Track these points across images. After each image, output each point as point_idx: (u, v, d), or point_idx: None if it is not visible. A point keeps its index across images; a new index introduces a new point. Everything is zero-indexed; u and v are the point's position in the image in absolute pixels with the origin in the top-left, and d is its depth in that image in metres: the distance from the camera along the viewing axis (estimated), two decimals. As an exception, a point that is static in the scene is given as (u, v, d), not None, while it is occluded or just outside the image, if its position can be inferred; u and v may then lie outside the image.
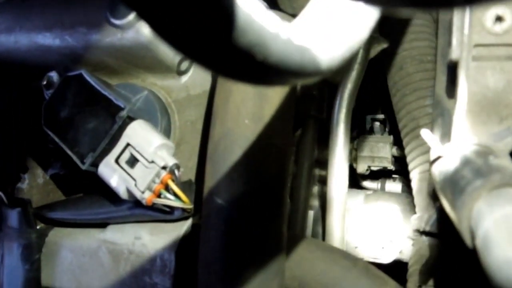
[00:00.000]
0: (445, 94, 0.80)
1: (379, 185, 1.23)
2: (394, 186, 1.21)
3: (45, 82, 0.93)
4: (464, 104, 0.68)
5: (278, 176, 0.75)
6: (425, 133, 0.70)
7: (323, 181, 1.10)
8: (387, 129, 1.23)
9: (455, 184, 0.54)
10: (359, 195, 1.11)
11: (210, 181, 0.74)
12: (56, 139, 0.89)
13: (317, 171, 1.15)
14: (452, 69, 0.76)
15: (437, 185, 0.66)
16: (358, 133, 1.22)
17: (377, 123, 1.25)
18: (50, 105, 0.91)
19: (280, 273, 0.74)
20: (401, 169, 1.16)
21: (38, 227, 0.98)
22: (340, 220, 1.00)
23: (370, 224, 1.04)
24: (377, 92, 1.31)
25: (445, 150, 0.69)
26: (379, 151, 1.15)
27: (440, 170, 0.63)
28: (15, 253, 0.93)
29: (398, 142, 1.11)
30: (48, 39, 0.96)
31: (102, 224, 0.95)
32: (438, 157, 0.69)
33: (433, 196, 0.86)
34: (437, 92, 0.84)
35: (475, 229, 0.46)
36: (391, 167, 1.14)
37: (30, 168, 1.08)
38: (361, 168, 1.17)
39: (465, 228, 0.49)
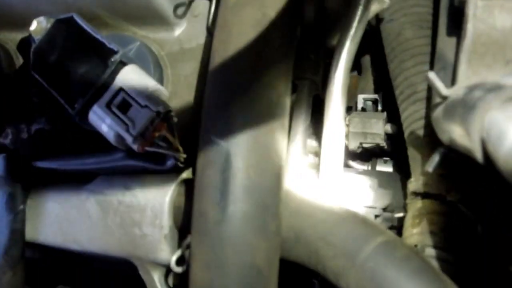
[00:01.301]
0: (448, 47, 0.79)
1: (370, 167, 1.22)
2: (385, 168, 1.20)
3: (33, 27, 0.89)
4: (470, 45, 0.67)
5: (277, 117, 0.73)
6: (431, 75, 0.69)
7: (318, 153, 1.08)
8: (379, 109, 1.22)
9: (465, 104, 0.53)
10: (350, 171, 1.10)
11: (207, 120, 0.72)
12: (45, 84, 0.86)
13: (313, 139, 1.13)
14: (455, 19, 0.75)
15: (440, 122, 0.65)
16: (350, 112, 1.21)
17: (369, 103, 1.23)
18: (39, 49, 0.87)
19: (278, 216, 0.72)
20: (393, 150, 1.15)
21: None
22: (334, 189, 0.99)
23: (364, 194, 1.04)
24: (369, 72, 1.30)
25: (451, 91, 0.68)
26: (372, 127, 1.13)
27: (447, 103, 0.62)
28: (-1, 201, 0.90)
29: (391, 120, 1.10)
30: (35, -15, 0.92)
31: (91, 175, 0.91)
32: (443, 100, 0.68)
33: (430, 150, 0.85)
34: (438, 46, 0.83)
35: (488, 136, 0.45)
36: (383, 144, 1.13)
37: (13, 124, 1.04)
38: (353, 144, 1.15)
39: (476, 141, 0.47)
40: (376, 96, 1.20)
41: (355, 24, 0.96)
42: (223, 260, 0.68)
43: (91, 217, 0.87)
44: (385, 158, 1.20)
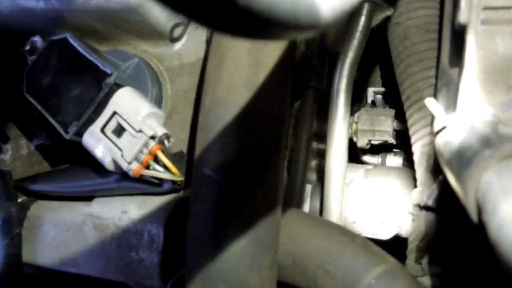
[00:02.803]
0: (451, 63, 0.75)
1: (380, 160, 1.19)
2: (395, 160, 1.17)
3: (28, 47, 0.87)
4: (471, 71, 0.64)
5: (272, 146, 0.70)
6: (429, 101, 0.66)
7: (322, 155, 1.06)
8: (389, 102, 1.19)
9: (461, 155, 0.50)
10: (359, 170, 1.07)
11: (200, 151, 0.70)
12: (39, 107, 0.84)
13: (316, 145, 1.11)
14: (459, 35, 0.72)
15: (441, 157, 0.62)
16: (359, 106, 1.18)
17: (379, 96, 1.21)
18: (33, 71, 0.85)
19: (273, 248, 0.70)
20: (402, 144, 1.12)
21: (19, 200, 0.94)
22: (339, 194, 0.96)
23: (370, 199, 1.01)
24: (379, 65, 1.27)
25: (451, 120, 0.64)
26: (380, 125, 1.11)
27: (445, 140, 0.59)
28: (-6, 226, 0.89)
29: (400, 116, 1.07)
30: (31, 1, 0.90)
31: (87, 198, 0.90)
32: (443, 128, 0.65)
33: (435, 170, 0.82)
34: (442, 61, 0.79)
35: (482, 202, 0.42)
36: (392, 141, 1.10)
37: (13, 139, 1.03)
38: (362, 142, 1.12)
39: (471, 202, 0.44)
40: (386, 89, 1.18)
41: (357, 33, 0.94)
42: None
43: (88, 241, 0.86)
44: (395, 150, 1.18)
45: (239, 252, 0.66)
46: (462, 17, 0.65)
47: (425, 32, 0.91)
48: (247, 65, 0.70)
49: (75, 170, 0.91)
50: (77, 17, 0.90)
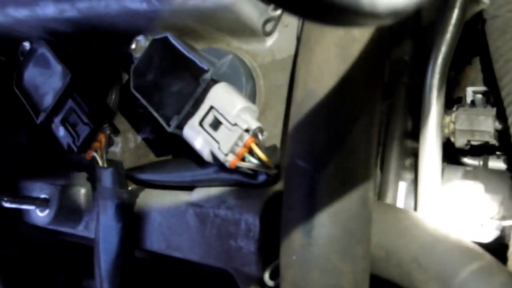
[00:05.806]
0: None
1: (481, 162, 1.13)
2: (498, 163, 1.11)
3: (133, 46, 0.94)
4: None
5: (363, 137, 0.70)
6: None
7: (417, 153, 1.04)
8: (491, 102, 1.13)
9: None
10: (457, 171, 1.03)
11: (292, 144, 0.72)
12: (144, 102, 0.91)
13: (411, 143, 1.08)
14: None
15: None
16: (458, 107, 1.13)
17: (478, 96, 1.15)
18: (138, 68, 0.92)
19: (365, 239, 0.70)
20: (506, 145, 1.06)
21: (129, 188, 1.02)
22: (433, 193, 0.94)
23: (468, 200, 0.97)
24: (479, 63, 1.21)
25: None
26: (480, 125, 1.05)
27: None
28: (109, 211, 0.98)
29: (503, 116, 1.01)
30: (135, 3, 0.96)
31: (189, 187, 0.96)
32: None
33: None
34: None
35: None
36: (493, 141, 1.04)
37: (122, 133, 1.11)
38: (460, 142, 1.07)
39: None
40: (486, 88, 1.12)
41: (451, 28, 0.90)
42: (310, 282, 0.69)
43: (190, 228, 0.92)
44: (498, 153, 1.12)
45: (332, 241, 0.68)
46: None
47: None
48: (336, 58, 0.71)
49: (178, 161, 0.97)
50: (176, 17, 0.96)
